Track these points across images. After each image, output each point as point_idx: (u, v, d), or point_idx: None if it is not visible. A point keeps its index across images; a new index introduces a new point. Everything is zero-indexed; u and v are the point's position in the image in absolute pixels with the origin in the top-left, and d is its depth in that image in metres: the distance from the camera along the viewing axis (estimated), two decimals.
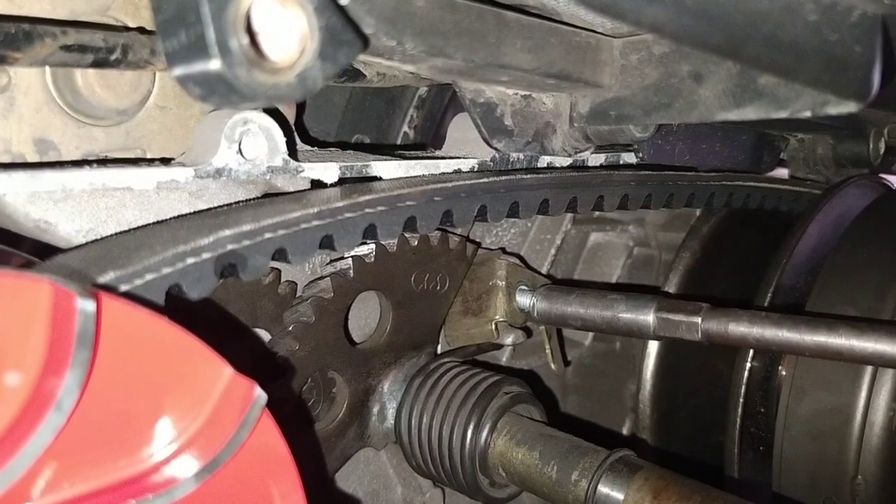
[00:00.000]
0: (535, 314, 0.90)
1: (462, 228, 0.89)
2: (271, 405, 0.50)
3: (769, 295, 0.95)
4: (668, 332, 0.79)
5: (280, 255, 0.59)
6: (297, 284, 0.77)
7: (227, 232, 0.56)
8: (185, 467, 0.47)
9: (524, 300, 0.90)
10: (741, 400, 0.93)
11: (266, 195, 0.68)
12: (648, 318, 0.80)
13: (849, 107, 0.58)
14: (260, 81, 0.45)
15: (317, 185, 0.70)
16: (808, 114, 0.60)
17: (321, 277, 0.76)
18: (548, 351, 0.98)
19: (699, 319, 0.77)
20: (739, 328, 0.75)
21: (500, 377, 0.82)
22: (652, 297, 0.82)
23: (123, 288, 0.50)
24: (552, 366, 0.99)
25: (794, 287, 0.97)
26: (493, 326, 0.90)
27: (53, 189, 0.57)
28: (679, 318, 0.78)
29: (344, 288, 0.76)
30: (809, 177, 1.24)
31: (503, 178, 0.75)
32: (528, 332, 0.94)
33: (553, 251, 1.06)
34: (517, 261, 0.95)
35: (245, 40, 0.44)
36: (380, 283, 0.79)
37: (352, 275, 0.76)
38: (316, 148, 0.82)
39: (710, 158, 1.03)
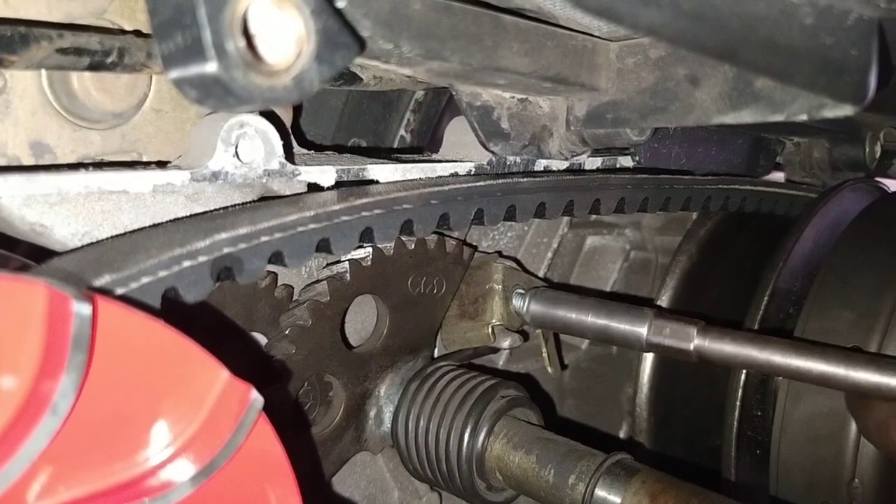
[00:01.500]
0: (528, 317, 0.90)
1: (459, 232, 0.89)
2: (268, 409, 0.50)
3: (765, 298, 0.95)
4: (661, 346, 0.80)
5: (276, 258, 0.59)
6: (293, 288, 0.77)
7: (224, 235, 0.56)
8: (182, 471, 0.46)
9: (518, 303, 0.90)
10: (738, 403, 0.93)
11: (262, 198, 0.68)
12: (642, 330, 0.80)
13: (845, 110, 0.58)
14: (256, 84, 0.45)
15: (313, 188, 0.70)
16: (804, 117, 0.60)
17: (318, 281, 0.76)
18: (544, 355, 0.98)
19: (693, 337, 0.78)
20: (732, 348, 0.76)
21: (497, 381, 0.82)
22: (647, 310, 0.82)
23: (119, 291, 0.50)
24: (549, 370, 0.99)
25: (790, 290, 0.97)
26: (490, 330, 0.90)
27: (49, 192, 0.57)
28: (672, 333, 0.79)
29: (340, 291, 0.75)
30: (805, 180, 1.24)
31: (500, 181, 0.75)
32: (525, 336, 0.94)
33: (550, 255, 1.06)
34: (514, 264, 0.95)
35: (242, 43, 0.44)
36: (376, 286, 0.79)
37: (348, 278, 0.76)
38: (312, 151, 0.82)
39: (706, 162, 1.03)
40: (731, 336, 0.76)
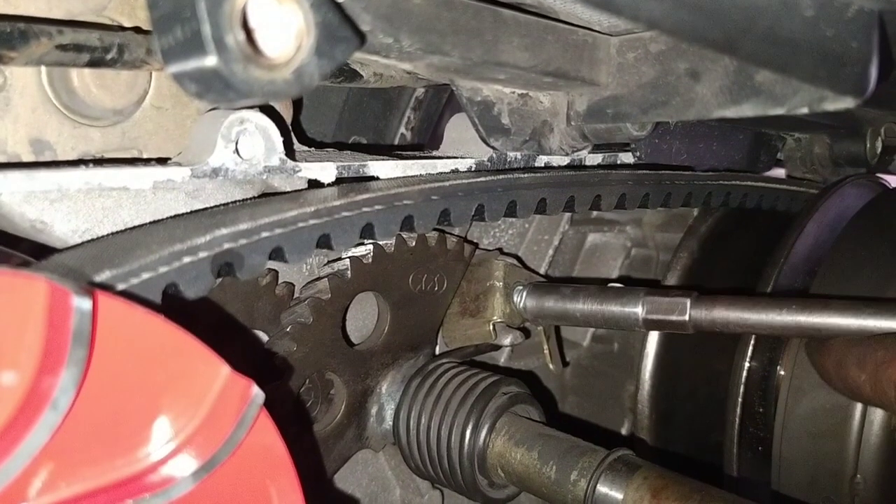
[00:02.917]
0: (526, 312, 0.90)
1: (460, 229, 0.89)
2: (269, 406, 0.50)
3: None
4: (656, 321, 0.81)
5: (277, 254, 0.59)
6: (294, 286, 0.77)
7: (224, 231, 0.56)
8: (183, 466, 0.46)
9: (516, 299, 0.90)
10: (740, 400, 0.93)
11: (263, 195, 0.68)
12: (636, 309, 0.81)
13: (846, 102, 0.58)
14: (256, 78, 0.45)
15: (314, 184, 0.70)
16: (805, 110, 0.60)
17: (318, 278, 0.76)
18: (546, 352, 0.98)
19: (687, 307, 0.78)
20: (726, 314, 0.77)
21: (499, 377, 0.81)
22: (640, 288, 0.83)
23: (120, 287, 0.50)
24: (550, 366, 0.99)
25: (792, 287, 0.96)
26: (491, 327, 0.90)
27: (49, 189, 0.57)
28: (667, 308, 0.79)
29: (341, 289, 0.75)
30: (806, 176, 1.24)
31: (500, 177, 0.75)
32: (527, 333, 0.94)
33: (551, 252, 1.06)
34: (515, 262, 0.95)
35: (241, 36, 0.44)
36: (377, 283, 0.79)
37: (349, 276, 0.76)
38: (313, 148, 0.82)
39: (707, 158, 1.03)
40: (723, 301, 0.77)
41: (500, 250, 0.98)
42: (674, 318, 0.79)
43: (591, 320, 0.85)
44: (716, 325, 0.77)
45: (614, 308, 0.82)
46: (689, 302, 0.78)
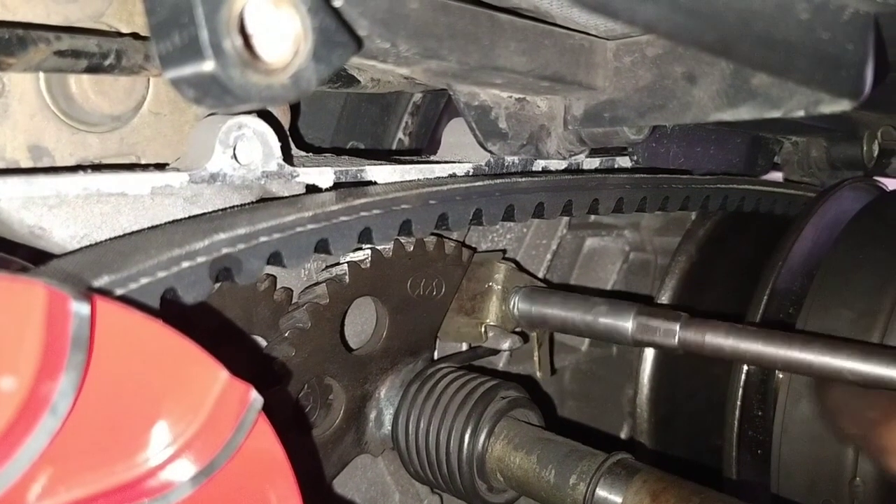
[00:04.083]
0: (517, 315, 0.90)
1: (458, 234, 0.89)
2: (268, 411, 0.50)
3: (765, 297, 0.95)
4: (646, 339, 0.80)
5: (275, 258, 0.59)
6: (292, 291, 0.77)
7: (222, 235, 0.56)
8: (182, 471, 0.46)
9: (510, 302, 0.90)
10: (738, 403, 0.93)
11: (261, 200, 0.68)
12: (627, 324, 0.81)
13: (842, 105, 0.58)
14: (254, 82, 0.45)
15: (312, 189, 0.70)
16: (801, 113, 0.60)
17: (317, 283, 0.76)
18: (535, 358, 0.98)
19: (677, 328, 0.78)
20: (716, 339, 0.77)
21: (497, 382, 0.81)
22: (632, 304, 0.82)
23: (118, 292, 0.50)
24: (538, 374, 0.99)
25: (789, 289, 0.97)
26: (483, 329, 0.90)
27: (48, 195, 0.57)
28: (657, 325, 0.79)
29: (340, 294, 0.75)
30: (804, 180, 1.24)
31: (498, 181, 0.76)
32: (525, 338, 0.93)
33: (549, 256, 1.06)
34: (514, 266, 0.95)
35: (239, 41, 0.44)
36: (376, 288, 0.79)
37: (347, 280, 0.76)
38: (311, 153, 0.82)
39: (704, 162, 1.03)
40: (713, 327, 0.77)
41: (504, 252, 0.98)
42: (662, 339, 0.79)
43: (581, 331, 0.85)
44: (704, 349, 0.77)
45: (606, 321, 0.83)
46: (678, 325, 0.78)
